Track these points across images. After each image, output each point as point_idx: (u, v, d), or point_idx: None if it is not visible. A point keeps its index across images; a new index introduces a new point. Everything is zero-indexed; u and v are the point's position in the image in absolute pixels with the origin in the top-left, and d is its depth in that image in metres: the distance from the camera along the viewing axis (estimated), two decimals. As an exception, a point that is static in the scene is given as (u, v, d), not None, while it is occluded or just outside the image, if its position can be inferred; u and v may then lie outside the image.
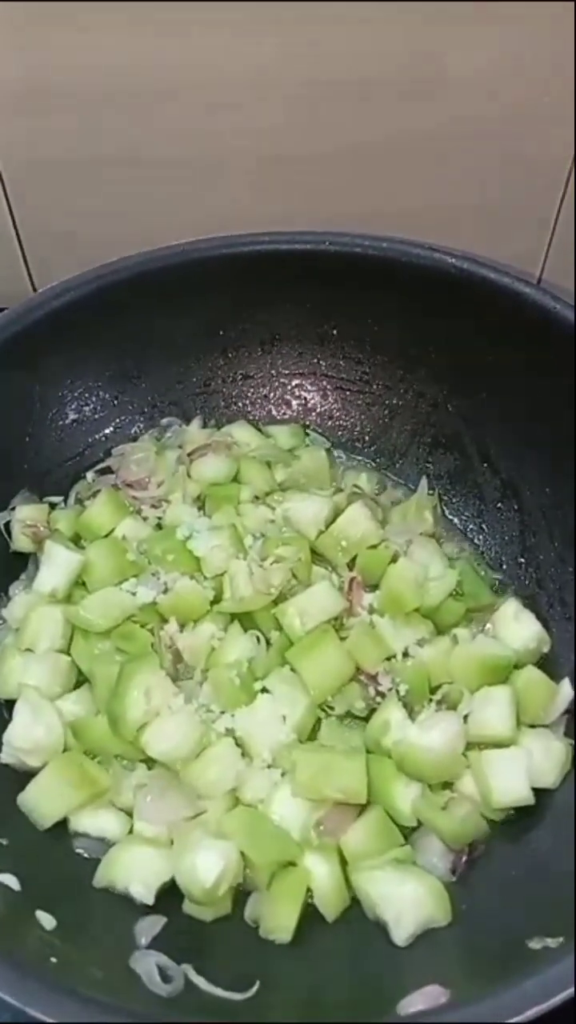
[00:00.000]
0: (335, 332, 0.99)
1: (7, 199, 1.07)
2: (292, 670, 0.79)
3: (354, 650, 0.79)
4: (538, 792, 0.72)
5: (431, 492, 0.96)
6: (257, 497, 0.94)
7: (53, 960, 0.56)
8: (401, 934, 0.65)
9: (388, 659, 0.80)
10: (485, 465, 0.95)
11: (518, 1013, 0.48)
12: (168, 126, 0.98)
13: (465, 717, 0.76)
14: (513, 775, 0.72)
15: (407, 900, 0.66)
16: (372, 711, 0.78)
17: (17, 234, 1.10)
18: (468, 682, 0.79)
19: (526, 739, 0.75)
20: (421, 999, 0.55)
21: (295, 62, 0.93)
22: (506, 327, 0.87)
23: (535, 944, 0.56)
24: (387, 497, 0.98)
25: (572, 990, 0.49)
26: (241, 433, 0.99)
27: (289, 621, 0.80)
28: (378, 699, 0.78)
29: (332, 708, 0.79)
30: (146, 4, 0.88)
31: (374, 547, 0.88)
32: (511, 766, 0.72)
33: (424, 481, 0.96)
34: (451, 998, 0.54)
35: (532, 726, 0.77)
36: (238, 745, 0.76)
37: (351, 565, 0.87)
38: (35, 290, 1.15)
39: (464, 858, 0.71)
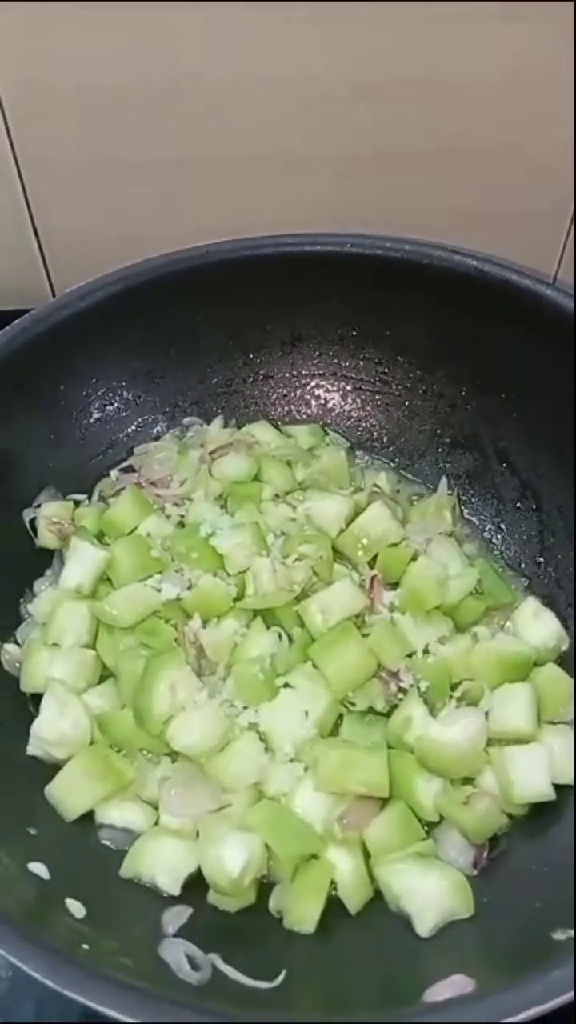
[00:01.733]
0: (355, 333, 1.00)
1: (27, 201, 1.08)
2: (314, 666, 0.80)
3: (375, 647, 0.80)
4: (559, 788, 0.73)
5: (450, 492, 0.97)
6: (278, 496, 0.95)
7: (85, 947, 0.57)
8: (424, 926, 0.66)
9: (409, 656, 0.81)
10: (504, 465, 0.96)
11: (545, 1002, 0.49)
12: (188, 127, 0.99)
13: (486, 714, 0.77)
14: (534, 771, 0.72)
15: (430, 893, 0.67)
16: (393, 707, 0.79)
17: (37, 236, 1.12)
18: (488, 679, 0.79)
19: (547, 736, 0.76)
20: (448, 988, 0.56)
21: (316, 62, 0.94)
22: (526, 329, 0.88)
23: (559, 935, 0.57)
24: (406, 496, 0.99)
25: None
26: (262, 433, 1.00)
27: (311, 618, 0.81)
28: (399, 696, 0.79)
29: (353, 704, 0.79)
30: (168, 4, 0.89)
31: (394, 546, 0.89)
32: (532, 762, 0.73)
33: (444, 481, 0.97)
34: (476, 987, 0.55)
35: (552, 723, 0.78)
36: (261, 740, 0.77)
37: (372, 564, 0.88)
38: (54, 292, 1.16)
39: (485, 853, 0.71)
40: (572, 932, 0.56)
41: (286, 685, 0.79)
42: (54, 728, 0.76)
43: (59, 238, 1.11)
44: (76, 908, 0.63)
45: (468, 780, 0.75)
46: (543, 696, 0.78)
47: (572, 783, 0.73)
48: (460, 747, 0.73)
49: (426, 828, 0.73)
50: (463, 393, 0.98)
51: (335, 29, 0.92)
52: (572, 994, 0.49)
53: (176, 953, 0.62)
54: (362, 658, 0.79)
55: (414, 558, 0.87)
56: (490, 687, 0.79)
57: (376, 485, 0.97)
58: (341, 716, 0.79)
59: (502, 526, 0.96)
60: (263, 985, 0.61)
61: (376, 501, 0.91)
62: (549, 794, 0.72)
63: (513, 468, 0.95)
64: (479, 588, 0.88)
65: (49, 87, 0.96)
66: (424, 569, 0.85)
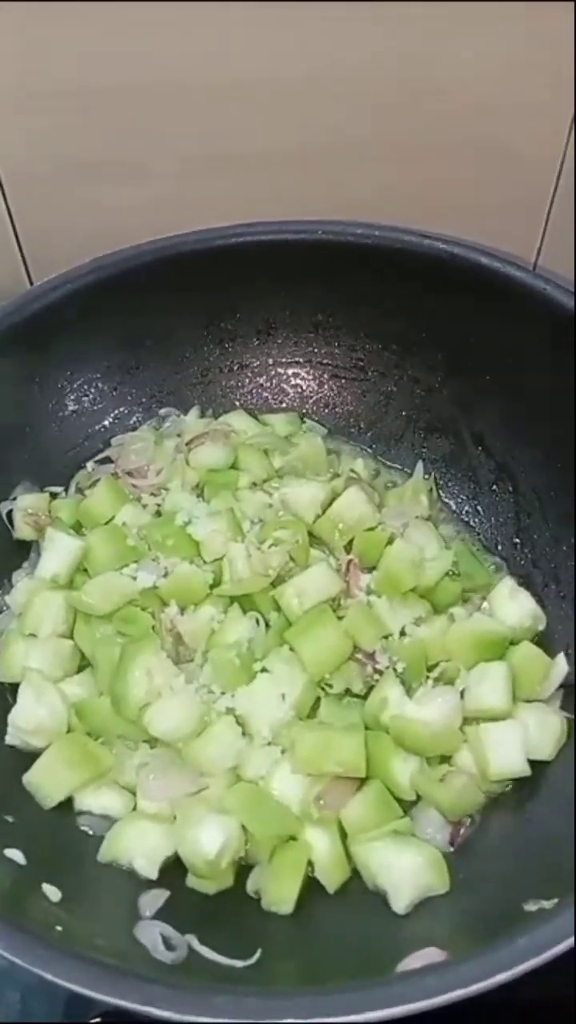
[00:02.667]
0: (330, 320, 1.00)
1: (4, 196, 1.08)
2: (291, 650, 0.80)
3: (351, 629, 0.80)
4: (534, 765, 0.73)
5: (427, 476, 0.97)
6: (255, 483, 0.95)
7: (58, 928, 0.57)
8: (400, 902, 0.66)
9: (385, 638, 0.81)
10: (479, 449, 0.96)
11: (510, 969, 0.49)
12: (166, 124, 0.99)
13: (462, 693, 0.77)
14: (510, 747, 0.73)
15: (406, 869, 0.67)
16: (370, 689, 0.79)
17: (15, 230, 1.11)
18: (464, 659, 0.80)
19: (522, 713, 0.76)
20: (419, 960, 0.56)
21: (291, 59, 0.94)
22: (498, 311, 0.89)
23: (530, 906, 0.57)
24: (383, 481, 0.99)
25: (567, 944, 0.50)
26: (239, 422, 1.00)
27: (287, 602, 0.81)
28: (376, 677, 0.79)
29: (330, 686, 0.80)
30: (146, 4, 0.89)
31: (371, 530, 0.89)
32: (508, 738, 0.73)
33: (420, 465, 0.98)
34: (448, 958, 0.55)
35: (528, 701, 0.78)
36: (239, 724, 0.77)
37: (348, 548, 0.89)
38: (32, 283, 1.16)
39: (462, 830, 0.72)
40: (543, 903, 0.56)
41: (263, 670, 0.80)
42: (31, 717, 0.76)
43: (38, 234, 1.11)
44: (52, 892, 0.63)
45: (445, 759, 0.76)
46: (519, 675, 0.78)
47: (547, 759, 0.73)
48: (435, 726, 0.74)
49: (404, 807, 0.73)
50: (438, 378, 0.98)
51: (311, 25, 0.92)
52: (537, 959, 0.49)
53: (152, 934, 0.62)
54: (338, 640, 0.80)
55: (390, 541, 0.87)
56: (466, 667, 0.80)
57: (353, 470, 0.97)
58: (318, 699, 0.80)
59: (479, 508, 0.96)
60: (238, 963, 0.61)
61: (352, 486, 0.92)
62: (524, 770, 0.72)
63: (489, 451, 0.95)
64: (456, 570, 0.88)
65: (27, 84, 0.96)
66: (400, 552, 0.85)
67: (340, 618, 0.82)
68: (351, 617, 0.81)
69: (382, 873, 0.68)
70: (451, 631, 0.82)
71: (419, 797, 0.74)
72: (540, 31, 0.91)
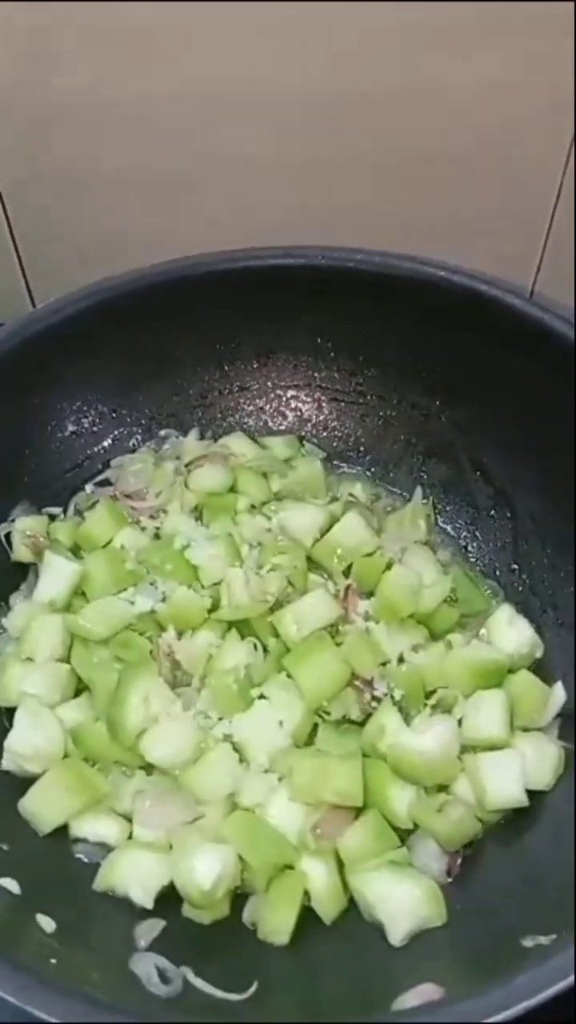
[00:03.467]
0: (329, 345, 1.01)
1: (6, 214, 1.08)
2: (288, 676, 0.80)
3: (349, 656, 0.80)
4: (532, 794, 0.73)
5: (425, 501, 0.98)
6: (254, 507, 0.95)
7: (53, 961, 0.57)
8: (397, 935, 0.66)
9: (383, 665, 0.81)
10: (478, 474, 0.96)
11: (508, 1008, 0.49)
12: (167, 139, 1.00)
13: (460, 721, 0.77)
14: (507, 777, 0.72)
15: (403, 901, 0.67)
16: (368, 716, 0.79)
17: (16, 249, 1.12)
18: (462, 686, 0.80)
19: (520, 742, 0.76)
20: (415, 997, 0.56)
21: (291, 73, 0.95)
22: (497, 339, 0.89)
23: (528, 942, 0.57)
24: (382, 506, 1.00)
25: (566, 983, 0.50)
26: (238, 444, 1.00)
27: (286, 628, 0.81)
28: (373, 704, 0.79)
29: (328, 714, 0.80)
30: (146, 16, 0.90)
31: (369, 555, 0.89)
32: (505, 768, 0.73)
33: (418, 490, 0.98)
34: (445, 995, 0.55)
35: (526, 730, 0.78)
36: (235, 751, 0.76)
37: (347, 573, 0.89)
38: (34, 304, 1.16)
39: (459, 860, 0.72)
40: (541, 939, 0.56)
41: (261, 696, 0.79)
42: (27, 742, 0.76)
43: (39, 252, 1.12)
44: (46, 923, 0.63)
45: (442, 788, 0.75)
46: (517, 703, 0.78)
47: (544, 789, 0.73)
48: (433, 755, 0.73)
49: (400, 836, 0.73)
50: (437, 403, 0.98)
51: (311, 40, 0.92)
52: (534, 1000, 0.49)
53: (146, 966, 0.62)
54: (336, 667, 0.79)
55: (388, 567, 0.88)
56: (464, 695, 0.79)
57: (351, 494, 0.97)
58: (316, 726, 0.79)
59: (477, 534, 0.96)
60: (234, 997, 0.61)
61: (351, 511, 0.92)
62: (522, 800, 0.72)
63: (487, 476, 0.95)
64: (453, 596, 0.88)
65: (28, 101, 0.97)
66: (398, 578, 0.85)
67: (338, 644, 0.82)
68: (349, 644, 0.81)
69: (379, 904, 0.67)
70: (448, 658, 0.81)
71: (416, 826, 0.74)
72: (541, 47, 0.92)
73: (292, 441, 1.03)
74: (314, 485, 0.98)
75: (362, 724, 0.79)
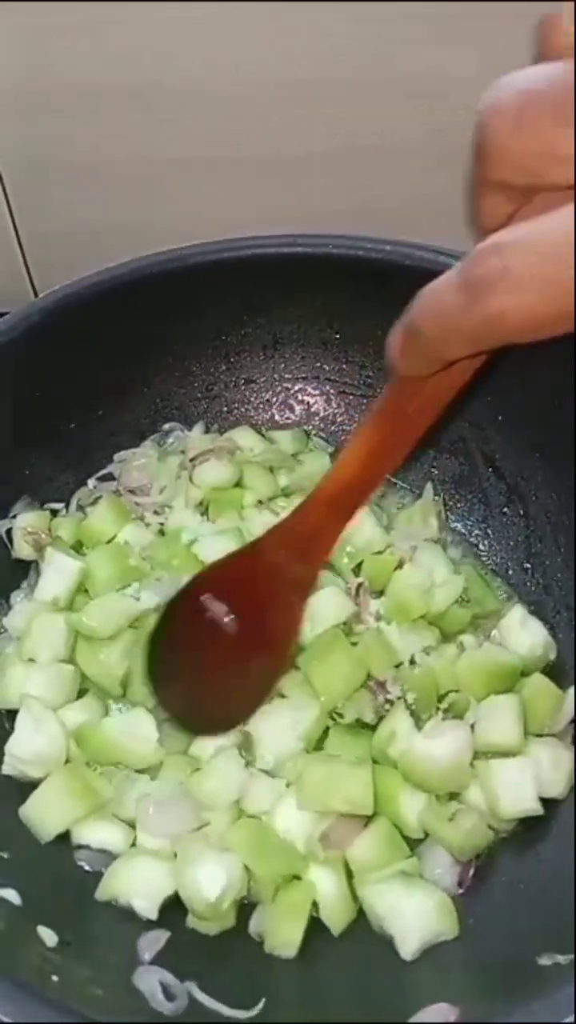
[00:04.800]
0: (338, 336, 0.98)
1: (7, 201, 1.06)
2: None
3: (365, 656, 0.78)
4: (546, 803, 0.71)
5: (436, 497, 0.95)
6: (260, 502, 0.93)
7: (55, 978, 0.55)
8: (408, 949, 0.64)
9: (396, 667, 0.79)
10: (490, 470, 0.94)
11: (527, 1034, 0.47)
12: (170, 128, 0.97)
13: (472, 726, 0.75)
14: (521, 785, 0.70)
15: (414, 914, 0.65)
16: (381, 719, 0.77)
17: (18, 236, 1.09)
18: (474, 690, 0.78)
19: (533, 748, 0.74)
20: (430, 1016, 0.54)
21: (295, 62, 0.92)
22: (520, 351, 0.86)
23: (545, 960, 0.55)
24: (392, 502, 0.97)
25: (583, 1011, 0.48)
26: (244, 438, 0.98)
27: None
28: (387, 707, 0.78)
29: (341, 716, 0.78)
30: (148, 5, 0.87)
31: (379, 553, 0.87)
32: (519, 776, 0.71)
33: (429, 486, 0.96)
34: (460, 1016, 0.53)
35: (539, 735, 0.76)
36: (241, 754, 0.75)
37: (356, 571, 0.87)
38: (36, 293, 1.14)
39: (471, 871, 0.70)
40: (559, 958, 0.54)
41: (280, 695, 0.77)
42: (29, 746, 0.74)
43: (41, 239, 1.09)
44: (48, 936, 0.61)
45: (454, 795, 0.73)
46: (530, 708, 0.76)
47: (559, 797, 0.71)
48: (445, 762, 0.71)
49: (411, 845, 0.71)
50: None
51: (316, 27, 0.90)
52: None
53: (150, 982, 0.60)
54: (352, 667, 0.77)
55: (399, 566, 0.85)
56: (476, 698, 0.77)
57: (360, 491, 0.95)
58: (327, 729, 0.77)
59: (489, 532, 0.94)
60: (241, 1015, 0.59)
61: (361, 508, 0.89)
62: (536, 809, 0.70)
63: (500, 473, 0.93)
64: (465, 596, 0.86)
65: (29, 87, 0.94)
66: (409, 578, 0.83)
67: (353, 644, 0.80)
68: (364, 644, 0.79)
69: (389, 917, 0.66)
70: (461, 661, 0.79)
71: (426, 834, 0.72)
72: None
73: (299, 435, 1.01)
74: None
75: (374, 728, 0.77)
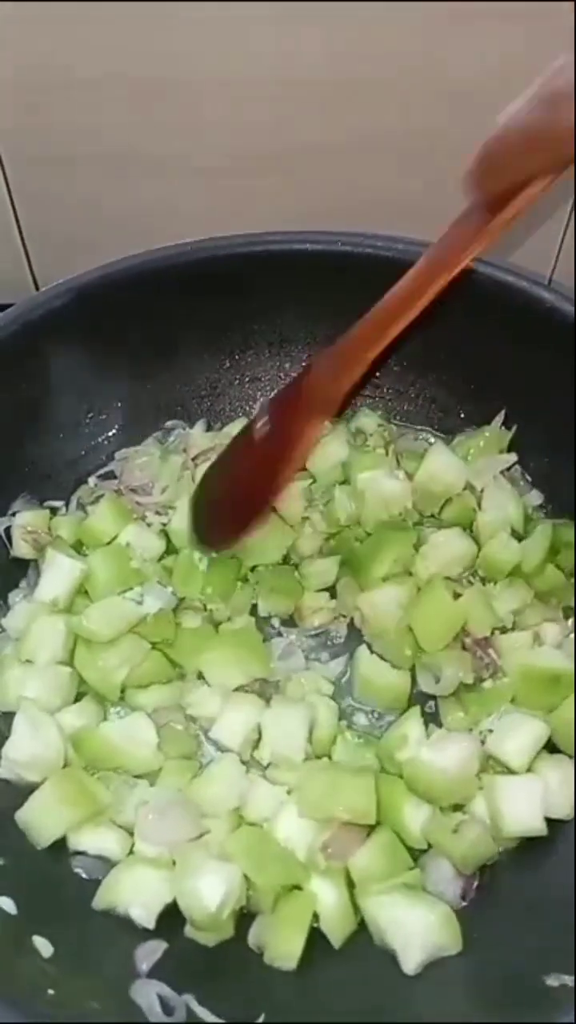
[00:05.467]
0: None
1: (10, 194, 1.04)
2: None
3: (468, 608, 0.78)
4: (551, 822, 0.69)
5: (504, 429, 0.92)
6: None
7: (51, 992, 0.54)
8: (410, 963, 0.63)
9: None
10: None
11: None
12: (175, 122, 0.96)
13: (486, 733, 0.74)
14: (526, 805, 0.68)
15: (416, 927, 0.64)
16: (480, 681, 0.77)
17: (20, 229, 1.08)
18: (517, 691, 0.76)
19: (544, 767, 0.72)
20: (434, 1037, 0.53)
21: (303, 57, 0.91)
22: (520, 332, 0.85)
23: (552, 981, 0.54)
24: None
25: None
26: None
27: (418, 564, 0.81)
28: (487, 671, 0.78)
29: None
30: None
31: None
32: (525, 795, 0.69)
33: (500, 416, 0.92)
34: (464, 1037, 0.52)
35: (554, 751, 0.74)
36: (242, 762, 0.74)
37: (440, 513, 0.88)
38: (37, 286, 1.12)
39: (475, 883, 0.68)
40: (565, 978, 0.53)
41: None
42: (26, 749, 0.73)
43: (43, 233, 1.08)
44: (44, 947, 0.60)
45: (458, 806, 0.72)
46: (560, 731, 0.73)
47: (566, 818, 0.69)
48: (451, 773, 0.70)
49: (413, 856, 0.70)
50: (457, 398, 0.94)
51: (320, 24, 0.88)
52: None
53: (148, 995, 0.59)
54: (453, 612, 0.78)
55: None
56: (520, 696, 0.76)
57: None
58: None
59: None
60: (240, 1029, 0.58)
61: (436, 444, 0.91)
62: (540, 830, 0.68)
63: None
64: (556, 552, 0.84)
65: (33, 81, 0.92)
66: (500, 542, 0.83)
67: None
68: (469, 596, 0.79)
69: (391, 930, 0.64)
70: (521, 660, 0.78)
71: (429, 845, 0.70)
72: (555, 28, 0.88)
73: None
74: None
75: (473, 687, 0.77)
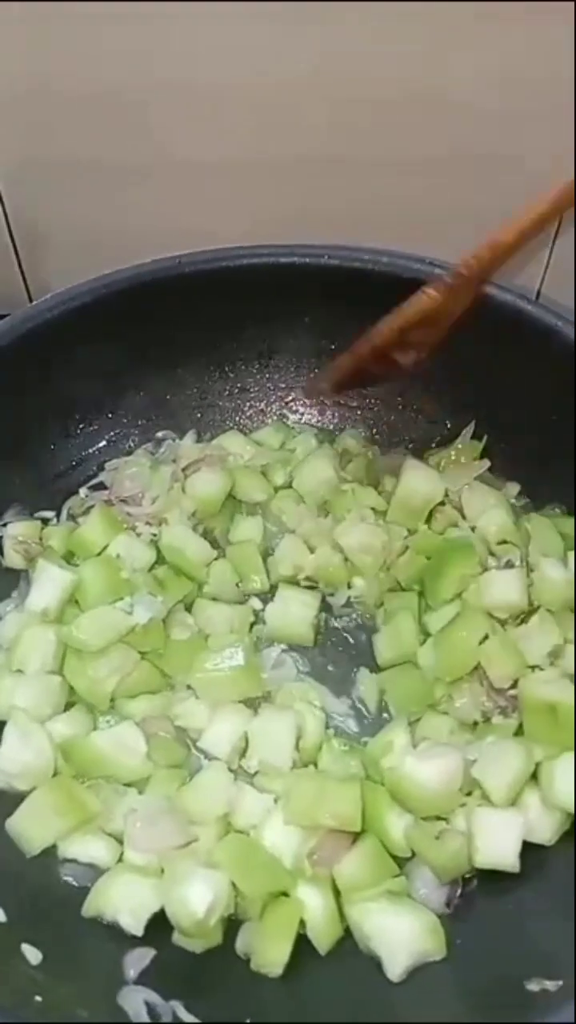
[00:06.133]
0: (333, 347, 0.97)
1: (3, 204, 1.05)
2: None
3: (491, 653, 0.77)
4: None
5: (475, 440, 0.94)
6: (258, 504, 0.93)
7: (38, 999, 0.55)
8: (395, 969, 0.63)
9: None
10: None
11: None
12: (167, 132, 0.97)
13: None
14: (501, 842, 0.67)
15: (401, 934, 0.64)
16: (487, 720, 0.76)
17: (13, 240, 1.09)
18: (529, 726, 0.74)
19: (528, 798, 0.70)
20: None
21: (296, 68, 0.92)
22: (506, 344, 0.86)
23: (533, 986, 0.55)
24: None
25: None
26: (233, 443, 0.97)
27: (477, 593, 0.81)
28: (496, 712, 0.76)
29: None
30: (150, 5, 0.87)
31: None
32: (502, 832, 0.68)
33: (470, 428, 0.94)
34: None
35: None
36: (230, 770, 0.75)
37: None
38: (31, 297, 1.13)
39: (459, 891, 0.69)
40: (547, 983, 0.54)
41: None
42: (16, 758, 0.74)
43: (36, 243, 1.08)
44: (32, 954, 0.61)
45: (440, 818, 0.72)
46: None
47: (546, 844, 0.69)
48: (432, 786, 0.70)
49: (399, 863, 0.70)
50: (443, 409, 0.96)
51: (316, 33, 0.89)
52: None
53: (135, 1002, 0.60)
54: (472, 652, 0.77)
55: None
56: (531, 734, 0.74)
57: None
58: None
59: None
60: (226, 1036, 0.58)
61: (408, 459, 0.91)
62: (512, 866, 0.67)
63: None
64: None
65: (28, 89, 0.93)
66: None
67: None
68: (495, 642, 0.77)
69: (376, 937, 0.65)
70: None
71: (413, 853, 0.71)
72: (545, 43, 0.89)
73: (279, 427, 1.00)
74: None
75: (474, 728, 0.77)
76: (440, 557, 0.85)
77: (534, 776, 0.71)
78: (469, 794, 0.72)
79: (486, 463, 0.91)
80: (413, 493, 0.88)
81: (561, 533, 0.86)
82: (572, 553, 0.83)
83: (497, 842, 0.68)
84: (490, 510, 0.87)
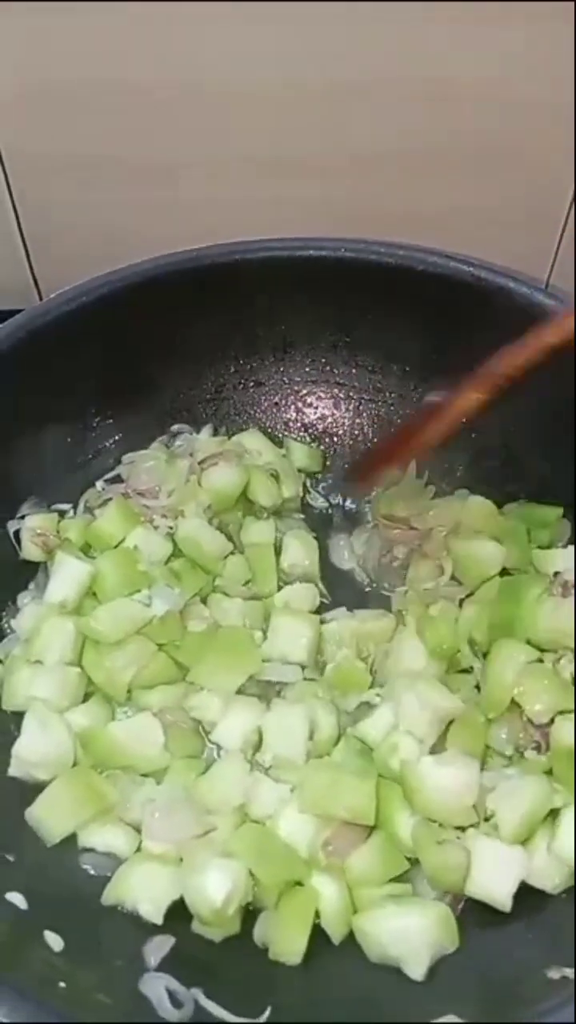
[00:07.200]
0: (349, 340, 0.98)
1: (14, 204, 1.05)
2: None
3: (529, 689, 0.74)
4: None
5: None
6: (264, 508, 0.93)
7: (62, 985, 0.55)
8: (418, 969, 0.62)
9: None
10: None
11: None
12: (180, 127, 0.97)
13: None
14: (498, 879, 0.66)
15: (416, 930, 0.64)
16: (521, 754, 0.75)
17: (23, 237, 1.09)
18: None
19: (539, 840, 0.68)
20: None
21: (303, 66, 0.92)
22: (522, 337, 0.86)
23: (554, 974, 0.55)
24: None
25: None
26: (252, 441, 0.98)
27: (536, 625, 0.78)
28: (532, 746, 0.74)
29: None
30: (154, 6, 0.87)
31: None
32: (501, 869, 0.66)
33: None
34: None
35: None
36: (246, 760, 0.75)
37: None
38: (41, 294, 1.14)
39: (460, 904, 0.68)
40: (567, 971, 0.54)
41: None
42: (36, 748, 0.74)
43: (45, 240, 1.09)
44: (54, 941, 0.61)
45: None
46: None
47: (549, 891, 0.66)
48: (442, 790, 0.69)
49: (410, 860, 0.70)
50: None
51: (321, 29, 0.89)
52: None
53: (157, 988, 0.60)
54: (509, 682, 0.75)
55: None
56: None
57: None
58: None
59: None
60: (248, 1022, 0.59)
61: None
62: (503, 905, 0.65)
63: (515, 478, 0.93)
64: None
65: (36, 88, 0.93)
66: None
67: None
68: (534, 675, 0.75)
69: (392, 942, 0.64)
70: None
71: (417, 855, 0.70)
72: (550, 36, 0.89)
73: (315, 454, 1.01)
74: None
75: (510, 759, 0.75)
76: (510, 591, 0.81)
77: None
78: (488, 819, 0.70)
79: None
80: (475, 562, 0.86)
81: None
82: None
83: (493, 876, 0.66)
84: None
